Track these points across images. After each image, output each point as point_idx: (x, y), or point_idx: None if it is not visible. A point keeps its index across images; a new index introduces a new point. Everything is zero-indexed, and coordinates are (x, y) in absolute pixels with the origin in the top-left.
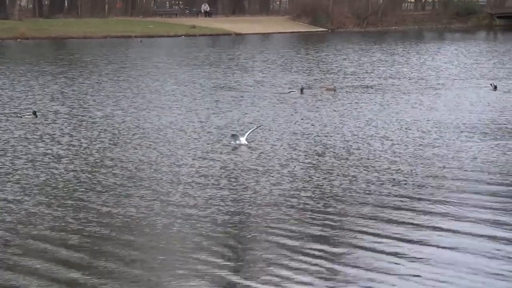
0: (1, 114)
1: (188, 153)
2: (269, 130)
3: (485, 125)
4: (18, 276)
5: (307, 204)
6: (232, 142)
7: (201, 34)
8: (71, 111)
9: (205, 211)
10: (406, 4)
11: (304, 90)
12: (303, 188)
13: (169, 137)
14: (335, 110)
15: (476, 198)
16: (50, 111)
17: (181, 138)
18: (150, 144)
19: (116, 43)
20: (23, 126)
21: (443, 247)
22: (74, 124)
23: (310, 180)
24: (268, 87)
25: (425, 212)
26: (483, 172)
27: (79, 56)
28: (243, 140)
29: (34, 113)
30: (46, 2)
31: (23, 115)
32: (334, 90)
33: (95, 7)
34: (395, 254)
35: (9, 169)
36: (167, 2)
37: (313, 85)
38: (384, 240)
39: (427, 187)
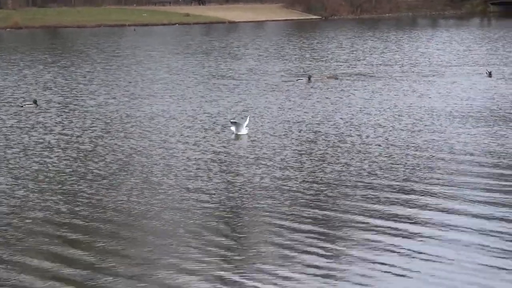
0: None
1: (181, 141)
2: (261, 117)
3: (478, 111)
4: (8, 264)
5: (299, 189)
6: (232, 129)
7: (195, 22)
8: (63, 100)
9: (198, 197)
10: None
11: (311, 78)
12: (296, 175)
13: (161, 126)
14: (327, 98)
15: (467, 182)
16: (43, 101)
17: (173, 126)
18: (143, 133)
19: (109, 32)
20: (15, 115)
21: (433, 227)
22: (67, 113)
23: (302, 167)
24: (261, 75)
25: (416, 195)
26: (473, 157)
27: (72, 45)
28: (243, 129)
29: (35, 102)
30: None
31: (24, 104)
32: (336, 78)
33: None
34: (387, 234)
35: (1, 158)
36: None
37: (308, 71)
38: (376, 221)
39: (418, 172)
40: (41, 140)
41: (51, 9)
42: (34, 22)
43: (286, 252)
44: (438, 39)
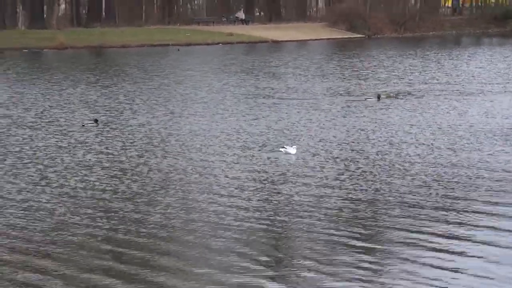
0: (50, 122)
1: (221, 160)
2: (300, 136)
3: None
4: (52, 280)
5: (339, 207)
6: (282, 149)
7: (238, 41)
8: (105, 119)
9: (237, 215)
10: (444, 9)
11: (381, 97)
12: (335, 193)
13: (201, 144)
14: (367, 116)
15: (507, 200)
16: (85, 120)
17: (213, 145)
18: (183, 151)
19: (153, 51)
20: (57, 134)
21: (474, 243)
22: (108, 131)
23: (342, 185)
24: (301, 94)
25: (456, 213)
26: None
27: (115, 65)
28: (293, 149)
29: (96, 121)
30: (84, 11)
31: (85, 123)
32: (395, 97)
33: (132, 16)
34: (428, 251)
35: (43, 176)
36: (205, 10)
37: (350, 89)
38: (417, 237)
39: (458, 190)
40: (82, 159)
41: (96, 29)
42: (79, 42)
43: (326, 270)
44: (480, 57)
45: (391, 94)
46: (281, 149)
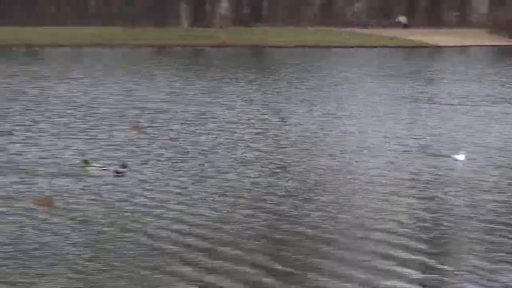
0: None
1: (374, 162)
2: (465, 143)
3: None
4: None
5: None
6: (453, 156)
7: (397, 45)
8: (262, 116)
9: (390, 217)
10: None
11: None
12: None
13: (357, 146)
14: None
15: None
16: (243, 117)
17: (368, 148)
18: (339, 152)
19: (312, 52)
20: (214, 130)
21: None
22: (265, 129)
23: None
24: (465, 100)
25: None
26: None
27: (274, 64)
28: (461, 156)
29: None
30: (246, 11)
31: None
32: None
33: (293, 16)
34: None
35: (202, 171)
36: (365, 13)
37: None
38: None
39: None
40: (235, 156)
41: (257, 29)
42: (240, 41)
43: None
44: None
45: None
46: (452, 156)
